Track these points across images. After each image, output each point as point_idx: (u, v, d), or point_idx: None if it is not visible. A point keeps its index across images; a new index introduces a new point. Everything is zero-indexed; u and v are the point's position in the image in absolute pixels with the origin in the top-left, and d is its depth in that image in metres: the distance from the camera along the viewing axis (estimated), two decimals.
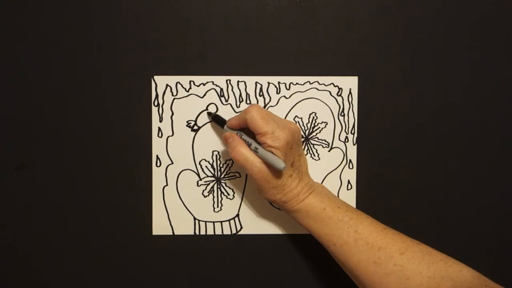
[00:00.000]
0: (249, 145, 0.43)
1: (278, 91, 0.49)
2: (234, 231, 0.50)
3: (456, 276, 0.37)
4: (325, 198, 0.43)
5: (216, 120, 0.48)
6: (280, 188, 0.43)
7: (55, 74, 0.48)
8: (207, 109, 0.49)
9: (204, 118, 0.49)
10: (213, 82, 0.49)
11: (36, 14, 0.48)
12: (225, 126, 0.46)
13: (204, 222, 0.50)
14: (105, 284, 0.49)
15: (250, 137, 0.44)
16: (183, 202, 0.50)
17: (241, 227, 0.50)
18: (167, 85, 0.49)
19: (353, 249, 0.40)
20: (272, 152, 0.42)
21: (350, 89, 0.49)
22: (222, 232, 0.50)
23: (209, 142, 0.49)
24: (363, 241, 0.40)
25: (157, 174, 0.49)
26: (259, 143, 0.43)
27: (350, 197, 0.50)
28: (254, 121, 0.42)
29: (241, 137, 0.44)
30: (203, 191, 0.50)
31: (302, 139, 0.50)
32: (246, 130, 0.44)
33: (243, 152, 0.43)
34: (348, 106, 0.50)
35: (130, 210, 0.49)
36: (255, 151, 0.42)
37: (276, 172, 0.42)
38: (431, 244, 0.40)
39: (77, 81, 0.48)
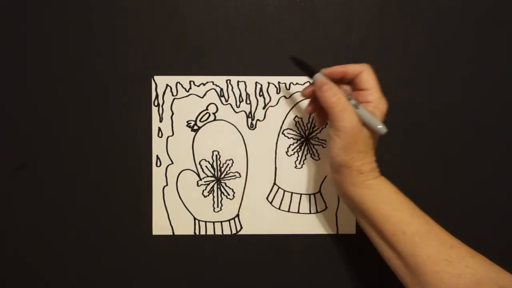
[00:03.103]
0: (348, 100, 0.40)
1: (278, 91, 0.49)
2: (234, 231, 0.50)
3: None
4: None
5: (303, 68, 0.43)
6: (363, 154, 0.39)
7: (55, 74, 0.48)
8: (207, 109, 0.49)
9: (204, 118, 0.49)
10: (213, 82, 0.49)
11: (36, 14, 0.48)
12: (318, 74, 0.42)
13: (204, 222, 0.50)
14: (105, 284, 0.49)
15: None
16: (183, 202, 0.50)
17: (241, 227, 0.50)
18: (167, 85, 0.49)
19: (424, 241, 0.37)
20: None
21: None
22: (222, 232, 0.50)
23: (209, 142, 0.49)
24: (435, 234, 0.37)
25: (157, 174, 0.49)
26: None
27: None
28: (372, 75, 0.40)
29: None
30: (203, 191, 0.50)
31: (302, 139, 0.50)
32: None
33: (344, 101, 0.39)
34: None
35: (130, 210, 0.49)
36: (355, 107, 0.39)
37: (370, 136, 0.39)
38: None
39: (77, 81, 0.48)
